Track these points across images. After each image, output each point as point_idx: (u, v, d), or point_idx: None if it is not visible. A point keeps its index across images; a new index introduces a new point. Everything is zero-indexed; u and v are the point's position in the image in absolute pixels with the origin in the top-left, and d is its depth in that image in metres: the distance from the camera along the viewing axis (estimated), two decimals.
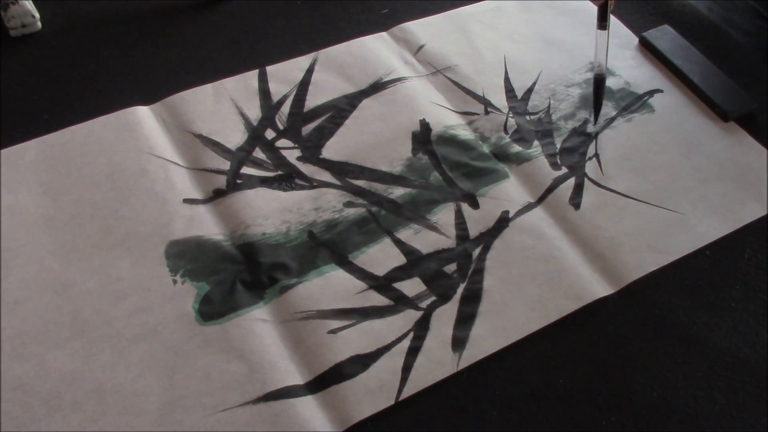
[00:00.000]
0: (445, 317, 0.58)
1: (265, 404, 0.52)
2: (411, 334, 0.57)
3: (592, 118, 0.73)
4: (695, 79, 0.76)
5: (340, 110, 0.72)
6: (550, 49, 0.80)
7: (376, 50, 0.78)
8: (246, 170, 0.67)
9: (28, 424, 0.51)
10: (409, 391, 0.54)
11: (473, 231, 0.64)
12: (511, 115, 0.73)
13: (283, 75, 0.75)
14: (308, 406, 0.53)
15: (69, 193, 0.64)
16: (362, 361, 0.55)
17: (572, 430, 0.53)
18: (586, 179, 0.68)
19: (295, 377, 0.54)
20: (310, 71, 0.76)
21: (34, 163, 0.66)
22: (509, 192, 0.67)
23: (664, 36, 0.81)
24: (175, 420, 0.52)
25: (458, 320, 0.58)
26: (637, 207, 0.66)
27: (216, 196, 0.65)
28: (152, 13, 0.82)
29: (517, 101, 0.75)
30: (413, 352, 0.56)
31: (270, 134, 0.70)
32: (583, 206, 0.66)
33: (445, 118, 0.72)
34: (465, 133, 0.71)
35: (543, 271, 0.61)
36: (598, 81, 0.71)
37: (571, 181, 0.68)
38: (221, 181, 0.66)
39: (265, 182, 0.66)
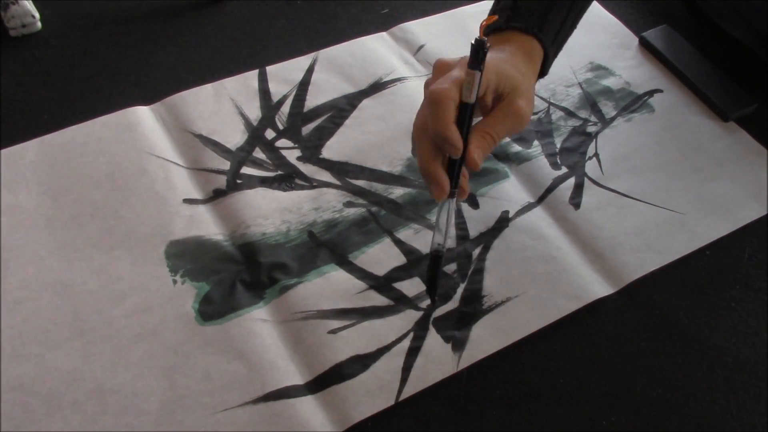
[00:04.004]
0: (445, 317, 0.58)
1: (265, 404, 0.52)
2: (411, 334, 0.57)
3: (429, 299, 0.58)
4: (695, 79, 0.76)
5: (340, 110, 0.72)
6: None
7: (376, 50, 0.78)
8: (246, 170, 0.67)
9: (28, 424, 0.51)
10: (409, 391, 0.54)
11: (473, 231, 0.64)
12: None
13: (283, 75, 0.75)
14: (308, 406, 0.53)
15: (69, 193, 0.64)
16: (362, 361, 0.55)
17: (572, 430, 0.53)
18: (586, 179, 0.68)
19: (295, 377, 0.54)
20: (310, 71, 0.76)
21: (34, 163, 0.66)
22: (509, 192, 0.67)
23: (664, 36, 0.81)
24: (175, 420, 0.52)
25: (458, 320, 0.58)
26: (637, 207, 0.66)
27: (216, 196, 0.65)
28: (152, 13, 0.82)
29: None
30: (413, 352, 0.56)
31: (270, 134, 0.70)
32: (583, 206, 0.66)
33: None
34: None
35: (543, 271, 0.61)
36: (436, 258, 0.52)
37: (571, 181, 0.68)
38: (221, 181, 0.66)
39: (265, 182, 0.66)
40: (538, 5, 0.54)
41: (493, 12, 0.56)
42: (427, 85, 0.51)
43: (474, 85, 0.46)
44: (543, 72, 0.56)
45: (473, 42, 0.44)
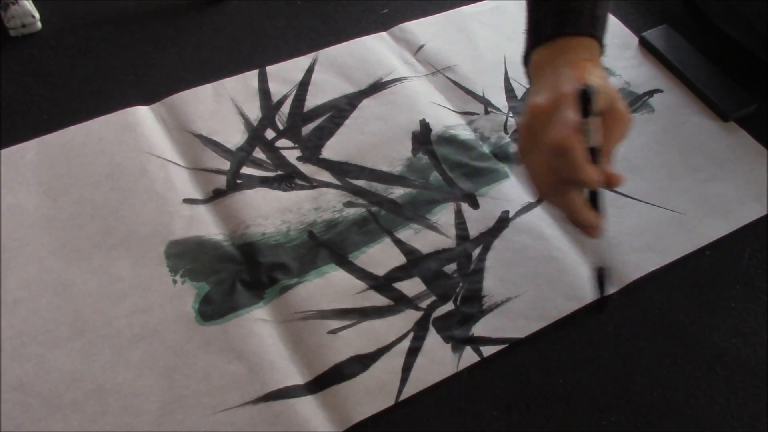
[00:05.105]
0: (445, 317, 0.58)
1: (265, 404, 0.52)
2: (411, 334, 0.57)
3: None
4: (695, 79, 0.76)
5: (340, 110, 0.72)
6: None
7: (376, 50, 0.78)
8: (246, 170, 0.67)
9: (28, 424, 0.51)
10: (409, 391, 0.54)
11: (473, 231, 0.64)
12: (511, 115, 0.73)
13: (283, 75, 0.75)
14: (308, 406, 0.53)
15: (69, 193, 0.64)
16: (362, 362, 0.55)
17: (572, 430, 0.53)
18: None
19: (295, 377, 0.54)
20: (310, 71, 0.76)
21: (34, 163, 0.66)
22: (509, 192, 0.67)
23: (664, 36, 0.81)
24: (175, 420, 0.52)
25: (458, 320, 0.58)
26: (637, 207, 0.66)
27: (216, 196, 0.65)
28: (152, 13, 0.82)
29: (517, 101, 0.74)
30: (413, 352, 0.56)
31: (270, 134, 0.70)
32: None
33: (445, 118, 0.72)
34: (465, 133, 0.71)
35: (543, 272, 0.61)
36: (601, 271, 0.56)
37: None
38: (221, 181, 0.66)
39: (265, 182, 0.66)
40: (583, 4, 0.53)
41: (534, 22, 0.56)
42: (524, 130, 0.51)
43: (596, 130, 0.47)
44: None
45: (578, 91, 0.46)
